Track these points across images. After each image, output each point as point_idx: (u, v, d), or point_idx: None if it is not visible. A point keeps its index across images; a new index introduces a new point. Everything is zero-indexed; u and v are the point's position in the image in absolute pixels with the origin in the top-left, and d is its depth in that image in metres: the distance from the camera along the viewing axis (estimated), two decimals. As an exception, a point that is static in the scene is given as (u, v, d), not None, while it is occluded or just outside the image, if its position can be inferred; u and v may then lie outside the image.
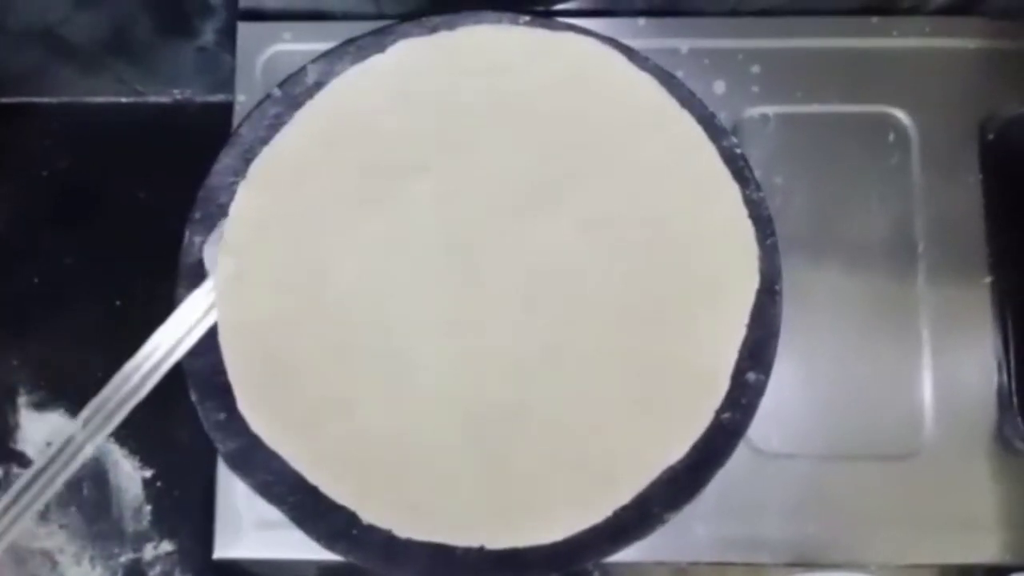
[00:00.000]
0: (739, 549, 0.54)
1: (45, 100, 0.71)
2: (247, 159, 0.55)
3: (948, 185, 0.57)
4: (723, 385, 0.52)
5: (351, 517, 0.51)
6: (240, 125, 0.55)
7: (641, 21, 0.59)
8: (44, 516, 0.65)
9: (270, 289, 0.54)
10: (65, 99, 0.71)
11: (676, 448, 0.51)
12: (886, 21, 0.59)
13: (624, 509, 0.50)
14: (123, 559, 0.65)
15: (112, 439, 0.66)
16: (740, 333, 0.53)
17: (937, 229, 0.57)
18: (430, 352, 0.53)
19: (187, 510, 0.65)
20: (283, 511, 0.51)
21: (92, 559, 0.65)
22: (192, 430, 0.63)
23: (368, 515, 0.50)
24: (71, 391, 0.67)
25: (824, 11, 0.59)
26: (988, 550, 0.53)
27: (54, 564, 0.65)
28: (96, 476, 0.66)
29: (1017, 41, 0.59)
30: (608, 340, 0.53)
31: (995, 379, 0.55)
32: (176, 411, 0.63)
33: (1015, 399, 0.54)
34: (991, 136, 0.58)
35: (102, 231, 0.70)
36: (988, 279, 0.56)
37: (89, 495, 0.66)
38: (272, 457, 0.52)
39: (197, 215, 0.54)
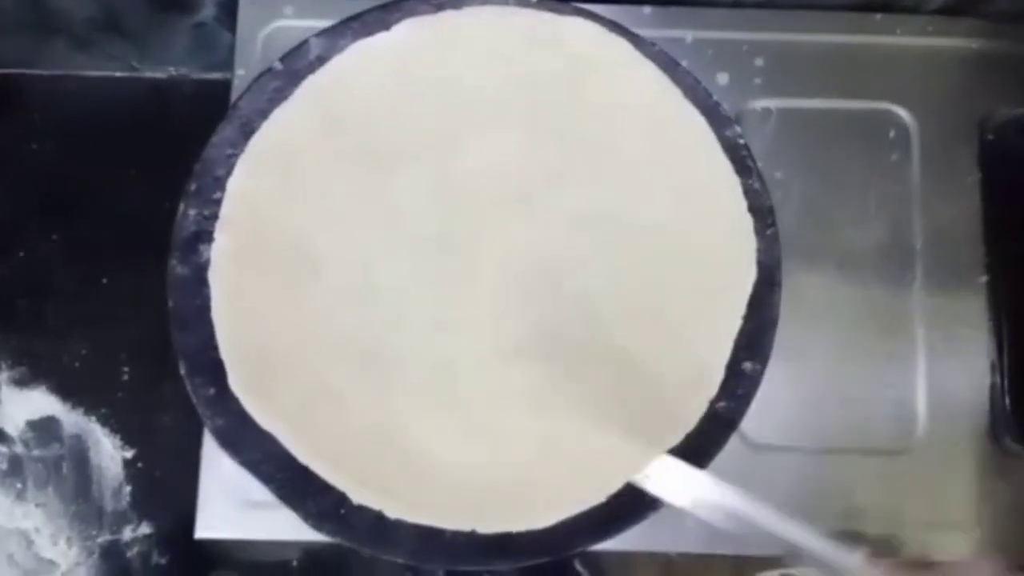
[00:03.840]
0: (728, 540, 0.53)
1: (36, 73, 0.70)
2: (246, 132, 0.54)
3: (946, 184, 0.58)
4: (718, 375, 0.52)
5: (340, 498, 0.50)
6: (240, 98, 0.55)
7: (647, 9, 0.60)
8: (21, 495, 0.64)
9: (265, 270, 0.53)
10: (57, 72, 0.70)
11: (669, 437, 0.51)
12: (890, 19, 0.60)
13: (616, 496, 0.50)
14: (101, 540, 0.64)
15: (94, 419, 0.65)
16: (736, 324, 0.53)
17: (934, 228, 0.57)
18: (422, 340, 0.53)
19: (168, 492, 0.64)
20: (271, 489, 0.50)
21: (69, 540, 0.64)
22: (176, 412, 0.63)
23: (359, 496, 0.50)
24: (54, 368, 0.66)
25: (829, 6, 0.60)
26: (978, 548, 0.53)
27: (29, 544, 0.64)
28: (77, 455, 0.65)
29: (1018, 43, 0.59)
30: (604, 329, 0.53)
31: (988, 378, 0.55)
32: (160, 392, 0.63)
33: (1007, 399, 0.55)
34: (990, 136, 0.58)
35: (91, 207, 0.69)
36: (984, 279, 0.57)
37: (68, 474, 0.65)
38: (261, 435, 0.51)
39: (193, 187, 0.54)
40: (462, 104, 0.56)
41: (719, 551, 0.54)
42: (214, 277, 0.52)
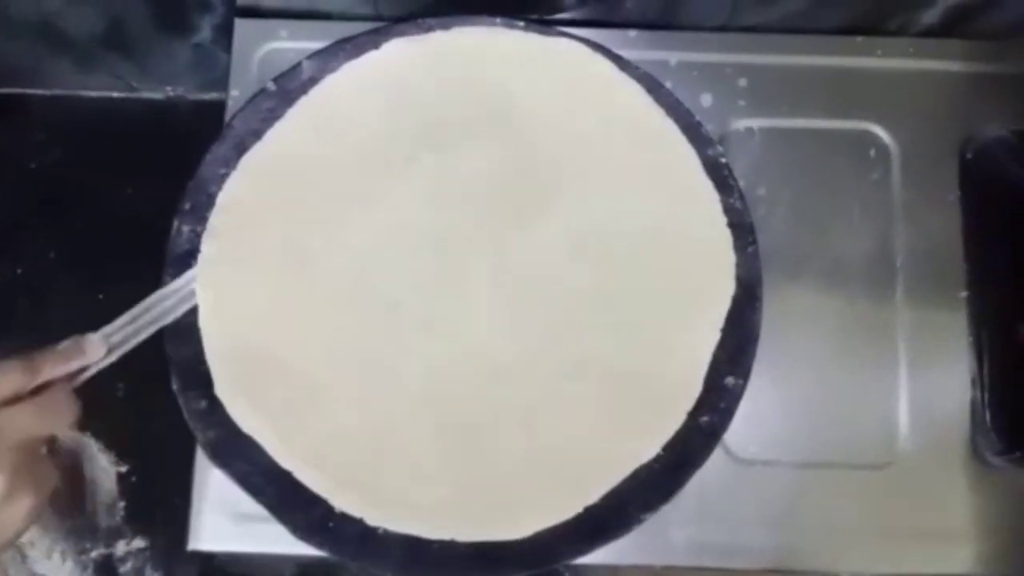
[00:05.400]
0: (714, 554, 0.54)
1: (38, 92, 0.72)
2: (239, 151, 0.55)
3: (927, 202, 0.58)
4: (696, 388, 0.53)
5: (327, 510, 0.51)
6: (233, 117, 0.56)
7: (632, 33, 0.60)
8: (15, 509, 0.64)
9: (254, 279, 0.54)
10: (58, 92, 0.72)
11: (647, 449, 0.52)
12: (871, 41, 0.61)
13: (600, 508, 0.51)
14: (94, 554, 0.64)
15: (89, 433, 0.66)
16: (714, 338, 0.53)
17: (915, 244, 0.58)
18: (411, 349, 0.53)
19: (162, 507, 0.64)
20: (260, 501, 0.50)
21: (63, 553, 0.64)
22: (170, 426, 0.63)
23: (340, 503, 0.51)
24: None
25: (811, 29, 0.61)
26: (960, 561, 0.54)
27: (23, 558, 0.64)
28: (71, 470, 0.65)
29: (997, 64, 0.60)
30: (585, 342, 0.54)
31: (968, 393, 0.56)
32: (154, 407, 0.63)
33: (987, 413, 0.56)
34: (970, 155, 0.59)
35: (88, 225, 0.70)
36: (964, 294, 0.57)
37: (63, 489, 0.64)
38: (251, 447, 0.52)
39: (187, 205, 0.55)
40: (452, 119, 0.57)
41: (706, 564, 0.54)
42: (202, 289, 0.53)
